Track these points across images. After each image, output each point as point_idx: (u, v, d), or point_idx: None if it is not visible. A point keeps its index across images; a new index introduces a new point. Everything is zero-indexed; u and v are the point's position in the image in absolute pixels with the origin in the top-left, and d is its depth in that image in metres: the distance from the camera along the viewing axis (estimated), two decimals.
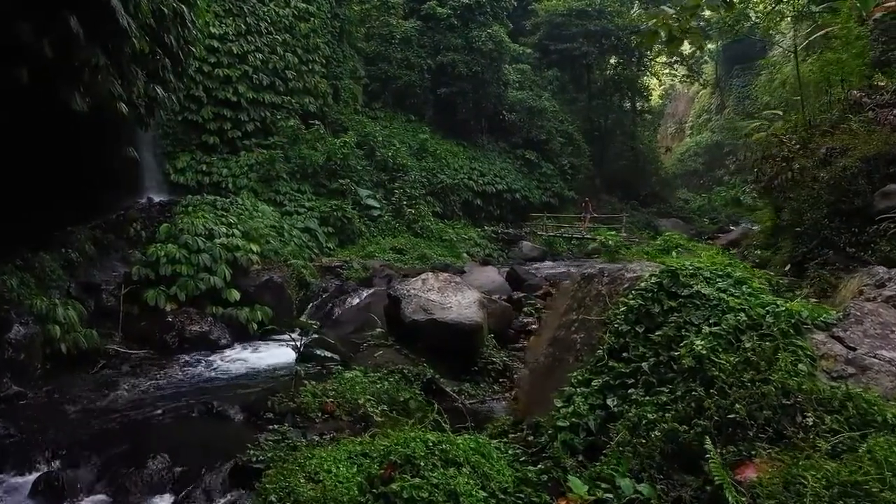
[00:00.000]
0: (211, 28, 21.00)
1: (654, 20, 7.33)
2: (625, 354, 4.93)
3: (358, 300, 13.06)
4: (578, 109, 42.93)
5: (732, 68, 61.73)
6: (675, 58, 51.13)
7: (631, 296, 5.20)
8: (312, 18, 24.82)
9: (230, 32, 21.69)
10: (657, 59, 49.51)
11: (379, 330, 9.78)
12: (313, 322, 8.19)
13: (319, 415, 7.28)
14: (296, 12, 24.11)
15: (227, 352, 12.18)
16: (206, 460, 6.29)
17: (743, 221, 43.77)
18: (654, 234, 29.30)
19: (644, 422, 4.30)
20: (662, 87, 62.77)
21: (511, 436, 5.42)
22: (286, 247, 17.01)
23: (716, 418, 3.95)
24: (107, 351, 11.45)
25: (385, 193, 25.14)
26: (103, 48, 10.23)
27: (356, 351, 9.74)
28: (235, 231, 15.13)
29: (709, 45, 60.36)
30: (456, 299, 9.40)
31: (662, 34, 7.43)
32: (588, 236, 29.44)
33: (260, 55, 22.43)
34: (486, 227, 29.05)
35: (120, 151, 15.70)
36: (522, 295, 13.15)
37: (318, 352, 8.02)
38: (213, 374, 10.56)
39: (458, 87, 31.77)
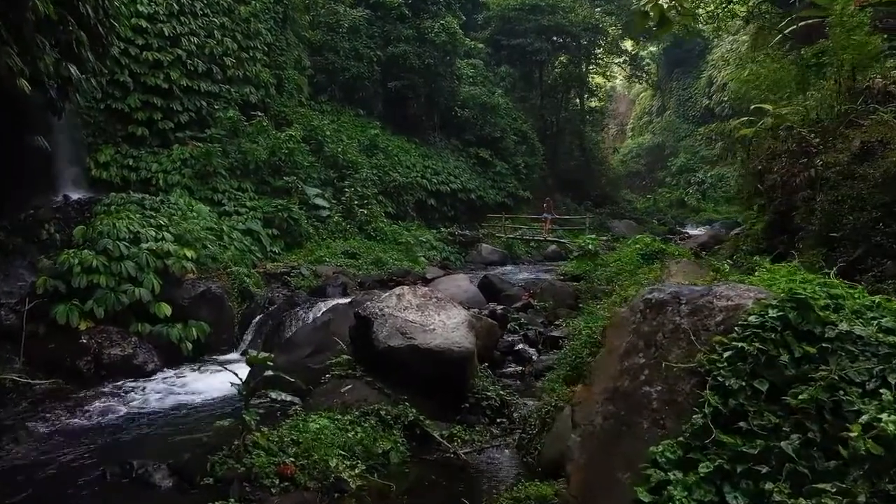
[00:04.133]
0: (138, 6, 18.69)
1: (645, 0, 6.24)
2: (742, 424, 3.39)
3: (313, 316, 11.21)
4: (530, 107, 41.98)
5: (673, 71, 62.41)
6: (623, 57, 50.97)
7: (736, 335, 3.68)
8: (253, 1, 22.70)
9: (161, 12, 19.34)
10: (606, 59, 49.12)
11: (345, 357, 8.01)
12: (266, 355, 6.40)
13: (276, 481, 5.51)
14: None
15: (155, 380, 10.19)
16: None
17: (688, 223, 43.84)
18: (613, 236, 28.24)
19: None
20: (603, 90, 62.76)
21: None
22: (226, 252, 14.98)
23: None
24: (3, 382, 9.31)
25: (334, 192, 23.20)
26: None
27: (316, 382, 7.97)
28: (166, 234, 13.05)
29: (650, 48, 60.80)
30: (439, 319, 7.76)
31: (653, 16, 6.31)
32: (550, 238, 28.26)
33: (195, 39, 20.16)
34: (441, 229, 27.40)
35: (28, 141, 13.57)
36: (501, 308, 11.58)
37: (272, 394, 6.26)
38: (135, 411, 8.58)
39: (409, 81, 30.06)
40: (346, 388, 7.41)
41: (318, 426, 6.16)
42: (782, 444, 3.17)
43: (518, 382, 8.96)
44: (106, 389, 9.52)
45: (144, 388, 9.68)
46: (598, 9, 43.54)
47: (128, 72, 18.49)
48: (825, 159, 9.12)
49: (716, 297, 4.03)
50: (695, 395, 3.71)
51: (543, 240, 29.04)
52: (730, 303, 3.94)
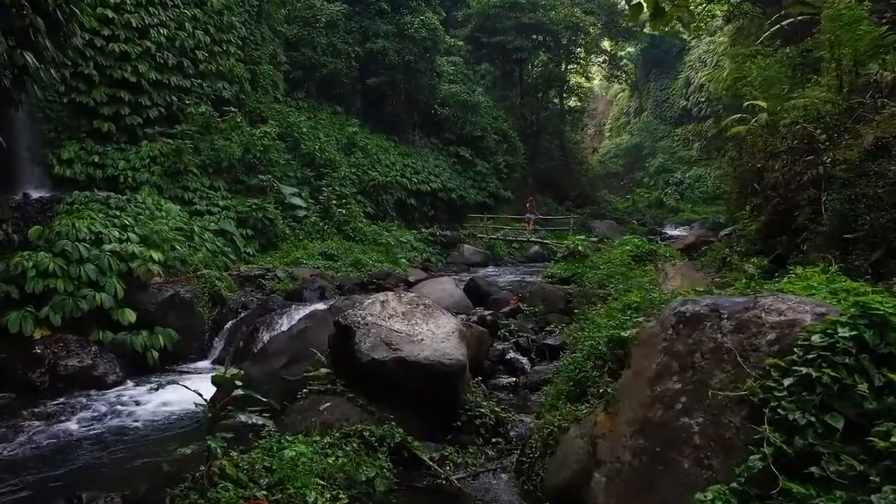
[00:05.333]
0: None
1: None
2: (814, 470, 2.78)
3: (288, 322, 10.47)
4: (510, 106, 41.54)
5: (650, 72, 62.57)
6: (603, 57, 50.80)
7: (797, 357, 3.08)
8: None
9: (128, 1, 18.41)
10: (586, 58, 48.90)
11: (323, 370, 7.31)
12: (234, 373, 5.68)
13: None
14: None
15: (116, 393, 9.38)
16: None
17: (667, 223, 43.74)
18: (598, 237, 27.83)
19: None
20: (581, 90, 62.76)
21: None
22: (196, 253, 14.15)
23: None
24: None
25: (311, 191, 22.40)
26: None
27: (292, 397, 7.26)
28: (131, 235, 12.24)
29: (628, 49, 60.80)
30: (428, 328, 7.10)
31: (647, 7, 5.85)
32: (533, 238, 27.72)
33: (165, 31, 19.24)
34: (422, 229, 26.72)
35: None
36: (490, 313, 10.94)
37: (242, 417, 5.55)
38: (90, 431, 7.78)
39: (388, 77, 29.31)
40: (326, 405, 6.71)
41: (293, 453, 5.46)
42: (873, 498, 2.57)
43: (511, 396, 8.34)
44: (60, 405, 8.70)
45: (103, 403, 8.86)
46: (578, 7, 43.23)
47: (93, 64, 17.58)
48: (833, 156, 8.64)
49: (764, 311, 3.42)
50: (747, 430, 3.11)
51: (527, 240, 28.51)
52: (782, 318, 3.34)
